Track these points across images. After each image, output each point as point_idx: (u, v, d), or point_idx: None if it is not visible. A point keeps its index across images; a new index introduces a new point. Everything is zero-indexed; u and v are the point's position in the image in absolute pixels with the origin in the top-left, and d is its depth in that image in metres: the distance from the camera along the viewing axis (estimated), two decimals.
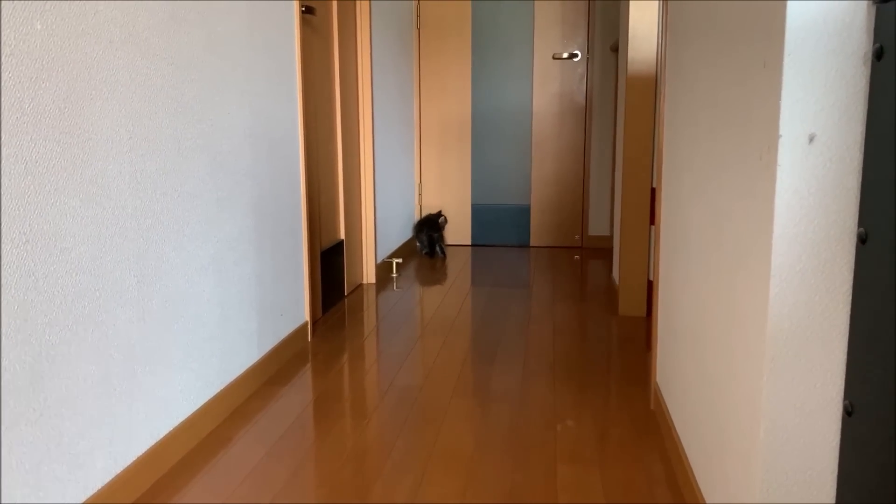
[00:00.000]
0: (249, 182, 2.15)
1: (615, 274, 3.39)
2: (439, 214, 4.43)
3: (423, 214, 4.64)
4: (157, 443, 1.69)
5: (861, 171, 0.99)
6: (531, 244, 4.69)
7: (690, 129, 1.66)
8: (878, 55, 0.94)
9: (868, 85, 0.97)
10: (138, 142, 1.59)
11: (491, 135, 4.64)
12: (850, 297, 1.02)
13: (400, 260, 3.95)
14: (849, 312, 1.03)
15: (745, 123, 1.17)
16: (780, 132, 1.00)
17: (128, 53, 1.54)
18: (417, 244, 4.47)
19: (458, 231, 4.75)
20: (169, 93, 1.70)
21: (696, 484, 1.50)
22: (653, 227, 2.97)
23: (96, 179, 1.44)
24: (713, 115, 1.42)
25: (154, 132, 1.65)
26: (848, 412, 1.02)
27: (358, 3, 3.43)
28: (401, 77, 4.20)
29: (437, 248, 4.37)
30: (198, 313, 1.86)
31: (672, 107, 1.94)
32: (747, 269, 1.15)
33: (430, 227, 4.37)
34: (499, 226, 4.71)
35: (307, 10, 2.68)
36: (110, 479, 1.52)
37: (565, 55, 4.45)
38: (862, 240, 0.98)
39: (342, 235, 3.27)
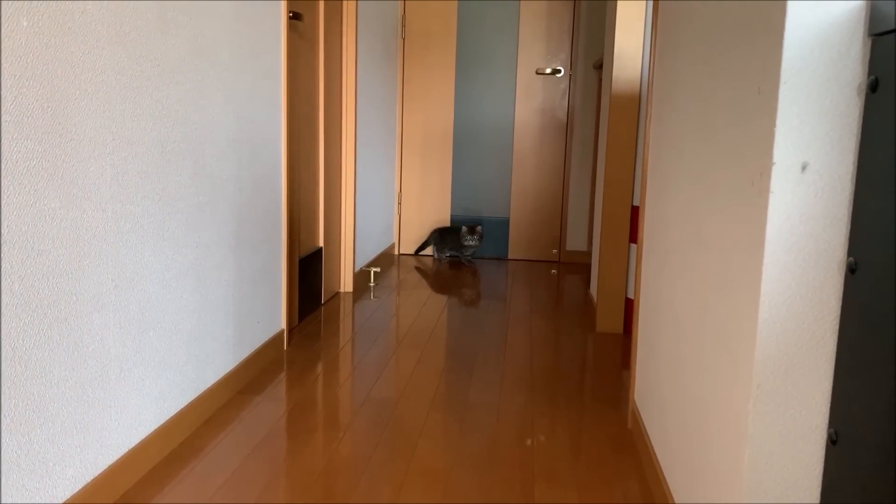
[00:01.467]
0: (231, 188, 2.13)
1: (593, 290, 3.40)
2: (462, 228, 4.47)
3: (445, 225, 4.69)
4: (129, 451, 1.65)
5: (852, 202, 1.00)
6: (509, 257, 4.70)
7: (678, 151, 1.67)
8: (873, 87, 0.95)
9: (861, 116, 0.98)
10: (121, 144, 1.56)
11: (472, 147, 4.64)
12: (837, 326, 1.03)
13: (378, 269, 3.93)
14: (836, 341, 1.03)
15: (737, 149, 1.18)
16: (774, 159, 1.01)
17: (114, 54, 1.51)
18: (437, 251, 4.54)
19: None
20: (154, 95, 1.68)
21: None
22: (633, 245, 2.99)
23: (77, 181, 1.41)
24: (703, 139, 1.43)
25: (138, 134, 1.62)
26: (832, 440, 1.03)
27: (344, 11, 3.42)
28: (385, 86, 4.19)
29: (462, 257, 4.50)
30: (174, 320, 1.83)
31: (659, 127, 1.95)
32: (735, 293, 1.16)
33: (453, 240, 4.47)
34: None
35: (294, 16, 2.67)
36: (80, 488, 1.48)
37: (548, 71, 4.47)
38: (851, 269, 0.99)
39: (321, 243, 3.24)
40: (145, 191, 1.66)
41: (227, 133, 2.08)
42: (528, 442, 1.95)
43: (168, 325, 1.80)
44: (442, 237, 4.51)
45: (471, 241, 4.38)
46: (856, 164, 0.99)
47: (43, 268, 1.33)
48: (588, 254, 4.57)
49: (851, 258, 0.99)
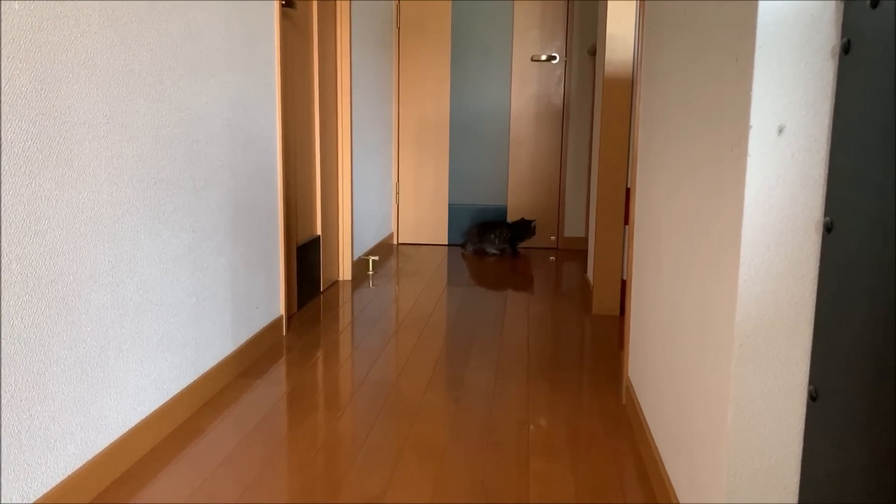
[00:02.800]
0: (226, 173, 2.15)
1: (590, 273, 3.43)
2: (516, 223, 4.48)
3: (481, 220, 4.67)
4: (128, 431, 1.68)
5: (827, 162, 1.02)
6: None
7: (664, 128, 1.69)
8: (846, 49, 0.97)
9: (835, 78, 1.00)
10: (115, 127, 1.58)
11: (468, 135, 4.66)
12: (815, 285, 1.05)
13: (376, 257, 3.95)
14: (814, 300, 1.05)
15: (718, 117, 1.20)
16: (751, 123, 1.03)
17: (106, 38, 1.53)
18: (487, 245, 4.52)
19: (433, 231, 4.76)
20: (147, 80, 1.70)
21: (666, 474, 1.52)
22: (627, 226, 3.01)
23: (72, 163, 1.44)
24: (687, 112, 1.45)
25: (132, 118, 1.64)
26: (812, 397, 1.05)
27: (338, 0, 3.44)
28: (380, 75, 4.21)
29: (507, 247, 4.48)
30: (172, 302, 1.86)
31: (647, 107, 1.97)
32: (717, 260, 1.18)
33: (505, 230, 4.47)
34: None
35: (287, 3, 2.69)
36: (81, 465, 1.51)
37: (543, 57, 4.48)
38: (828, 229, 1.01)
39: (319, 231, 3.26)
40: (140, 174, 1.69)
41: (221, 119, 2.10)
42: (524, 419, 1.98)
43: (166, 308, 1.83)
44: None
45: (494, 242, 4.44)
46: (831, 125, 1.01)
47: (40, 248, 1.35)
48: (585, 240, 4.59)
49: (828, 218, 1.01)
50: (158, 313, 1.79)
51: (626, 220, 3.00)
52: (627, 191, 2.97)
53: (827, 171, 1.02)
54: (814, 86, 1.01)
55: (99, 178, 1.53)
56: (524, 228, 4.42)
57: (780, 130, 1.02)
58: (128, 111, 1.62)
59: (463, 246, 4.58)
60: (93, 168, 1.50)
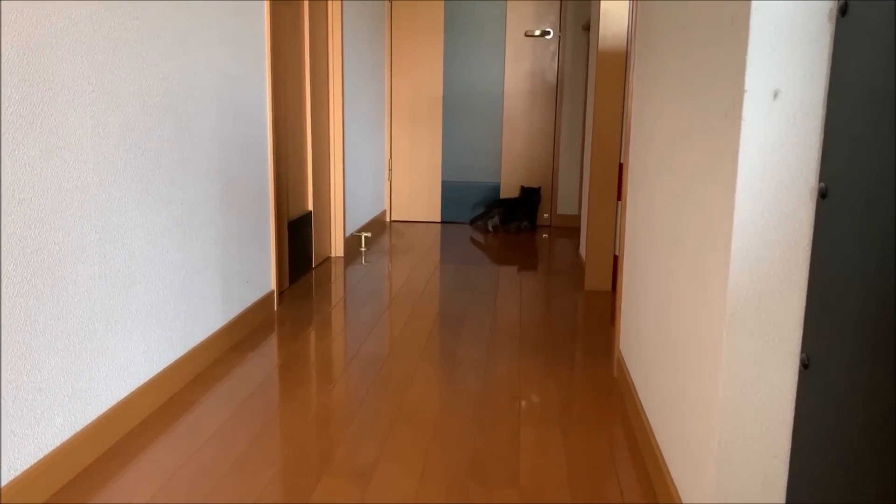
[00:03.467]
0: (216, 146, 2.12)
1: (582, 250, 3.42)
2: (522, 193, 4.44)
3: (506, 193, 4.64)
4: (118, 402, 1.66)
5: (823, 127, 1.01)
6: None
7: (658, 96, 1.67)
8: (843, 11, 0.95)
9: (832, 41, 0.98)
10: (101, 95, 1.55)
11: (462, 111, 4.63)
12: (809, 253, 1.04)
13: (369, 234, 3.94)
14: (808, 267, 1.05)
15: (712, 81, 1.18)
16: (746, 87, 1.01)
17: (89, 4, 1.50)
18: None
19: (426, 208, 4.74)
20: (134, 48, 1.67)
21: (656, 443, 1.52)
22: (620, 202, 2.99)
23: (56, 130, 1.41)
24: (681, 78, 1.43)
25: (118, 87, 1.61)
26: (804, 365, 1.04)
27: None
28: (372, 51, 4.17)
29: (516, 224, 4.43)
30: (161, 275, 1.84)
31: (641, 77, 1.95)
32: (711, 227, 1.17)
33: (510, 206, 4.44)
34: (468, 203, 4.71)
35: None
36: (69, 436, 1.50)
37: (537, 33, 4.44)
38: (822, 194, 1.00)
39: (310, 207, 3.24)
40: (127, 144, 1.66)
41: (210, 91, 2.07)
42: (515, 391, 1.98)
43: (155, 280, 1.81)
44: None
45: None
46: (827, 89, 1.00)
47: (24, 216, 1.33)
48: (579, 217, 4.58)
49: (823, 183, 1.00)
50: (147, 285, 1.77)
51: (619, 196, 2.99)
52: (620, 167, 2.96)
53: (822, 137, 1.01)
54: (810, 49, 0.99)
55: (84, 146, 1.50)
56: (534, 196, 4.41)
57: (776, 95, 1.01)
58: (113, 79, 1.59)
59: (475, 223, 4.55)
60: (78, 136, 1.48)
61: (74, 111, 1.46)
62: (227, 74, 2.19)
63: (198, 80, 1.99)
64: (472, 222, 4.55)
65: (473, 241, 4.15)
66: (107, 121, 1.58)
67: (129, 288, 1.69)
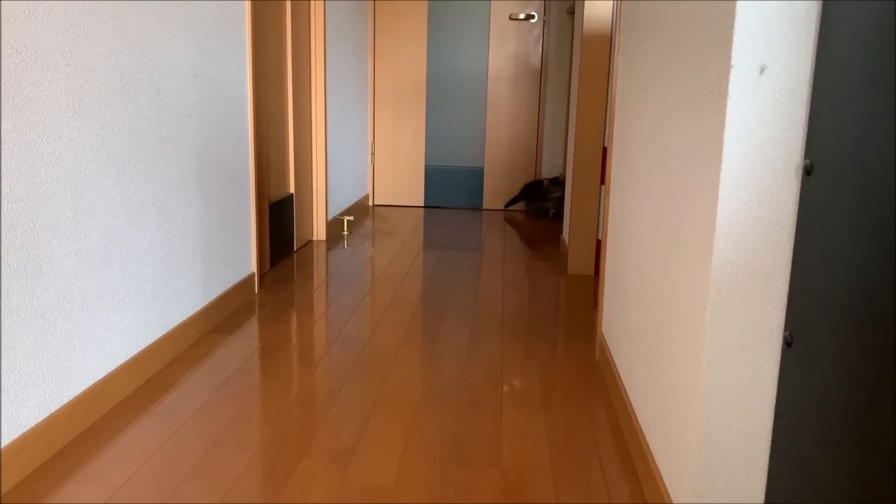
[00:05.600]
0: (195, 124, 2.09)
1: (565, 234, 3.41)
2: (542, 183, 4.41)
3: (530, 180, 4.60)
4: (95, 383, 1.64)
5: (809, 104, 1.00)
6: (483, 207, 4.69)
7: (643, 74, 1.66)
8: None
9: (819, 16, 0.97)
10: (76, 69, 1.51)
11: (446, 95, 4.60)
12: (793, 230, 1.04)
13: (351, 218, 3.91)
14: (792, 245, 1.04)
15: (699, 58, 1.17)
16: (732, 62, 1.00)
17: None
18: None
19: (410, 192, 4.71)
20: (110, 22, 1.63)
21: (638, 424, 1.52)
22: (603, 187, 2.99)
23: (30, 104, 1.37)
24: (667, 57, 1.42)
25: (94, 61, 1.57)
26: (788, 343, 1.04)
27: None
28: (355, 33, 4.12)
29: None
30: (139, 254, 1.81)
31: (626, 55, 1.93)
32: (695, 205, 1.16)
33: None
34: (451, 188, 4.69)
35: None
36: (44, 417, 1.47)
37: (522, 16, 4.42)
38: (807, 172, 0.99)
39: (292, 189, 3.21)
40: (104, 120, 1.63)
41: (189, 67, 2.03)
42: (497, 373, 1.97)
43: (132, 259, 1.78)
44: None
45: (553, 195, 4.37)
46: (813, 66, 0.99)
47: None
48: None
49: (808, 160, 0.99)
50: (125, 265, 1.74)
51: (603, 180, 2.98)
52: (604, 150, 2.95)
53: (808, 113, 1.00)
54: (797, 24, 0.98)
55: (60, 121, 1.47)
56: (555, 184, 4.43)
57: (762, 70, 1.00)
58: (89, 53, 1.56)
59: (515, 202, 4.54)
60: (53, 111, 1.44)
61: (48, 86, 1.43)
62: (207, 51, 2.15)
63: (177, 56, 1.96)
64: (528, 205, 4.50)
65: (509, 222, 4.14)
66: (82, 96, 1.54)
67: (105, 267, 1.66)
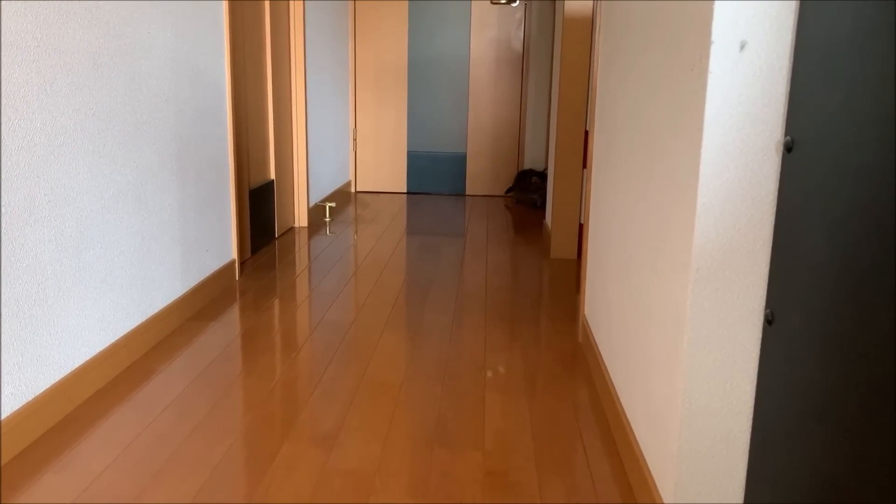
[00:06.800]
0: (171, 108, 2.06)
1: (548, 219, 3.41)
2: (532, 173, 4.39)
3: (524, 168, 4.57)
4: (72, 371, 1.61)
5: (790, 80, 0.99)
6: (466, 193, 4.68)
7: (625, 52, 1.65)
8: None
9: None
10: (47, 51, 1.48)
11: (427, 80, 4.57)
12: (774, 208, 1.03)
13: (333, 204, 3.88)
14: (773, 223, 1.04)
15: (680, 35, 1.16)
16: (713, 38, 0.99)
17: None
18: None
19: (392, 178, 4.69)
20: (82, 3, 1.59)
21: (620, 404, 1.52)
22: (585, 170, 2.98)
23: None
24: (648, 35, 1.41)
25: (66, 43, 1.54)
26: (769, 321, 1.04)
27: None
28: (335, 17, 4.08)
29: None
30: (115, 241, 1.78)
31: (607, 40, 1.92)
32: (676, 182, 1.16)
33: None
34: (434, 174, 4.67)
35: None
36: (19, 406, 1.45)
37: (503, 0, 4.39)
38: (788, 148, 0.99)
39: (272, 175, 3.18)
40: (77, 104, 1.59)
41: (165, 51, 2.00)
42: (480, 357, 1.97)
43: (109, 246, 1.75)
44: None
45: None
46: (794, 41, 0.98)
47: None
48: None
49: (788, 137, 0.99)
50: (101, 251, 1.72)
51: (585, 164, 2.98)
52: (586, 134, 2.94)
53: (789, 90, 0.99)
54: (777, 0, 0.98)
55: (31, 104, 1.44)
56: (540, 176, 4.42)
57: (742, 46, 0.99)
58: (61, 35, 1.52)
59: (513, 189, 4.51)
60: (24, 94, 1.41)
61: (19, 67, 1.39)
62: (184, 35, 2.12)
63: (152, 39, 1.92)
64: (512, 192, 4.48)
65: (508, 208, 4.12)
66: (54, 78, 1.51)
67: (81, 253, 1.64)
